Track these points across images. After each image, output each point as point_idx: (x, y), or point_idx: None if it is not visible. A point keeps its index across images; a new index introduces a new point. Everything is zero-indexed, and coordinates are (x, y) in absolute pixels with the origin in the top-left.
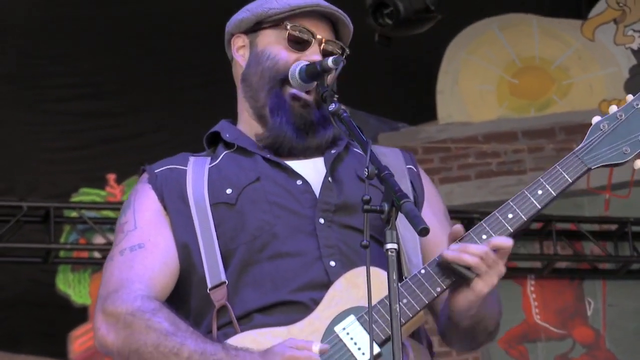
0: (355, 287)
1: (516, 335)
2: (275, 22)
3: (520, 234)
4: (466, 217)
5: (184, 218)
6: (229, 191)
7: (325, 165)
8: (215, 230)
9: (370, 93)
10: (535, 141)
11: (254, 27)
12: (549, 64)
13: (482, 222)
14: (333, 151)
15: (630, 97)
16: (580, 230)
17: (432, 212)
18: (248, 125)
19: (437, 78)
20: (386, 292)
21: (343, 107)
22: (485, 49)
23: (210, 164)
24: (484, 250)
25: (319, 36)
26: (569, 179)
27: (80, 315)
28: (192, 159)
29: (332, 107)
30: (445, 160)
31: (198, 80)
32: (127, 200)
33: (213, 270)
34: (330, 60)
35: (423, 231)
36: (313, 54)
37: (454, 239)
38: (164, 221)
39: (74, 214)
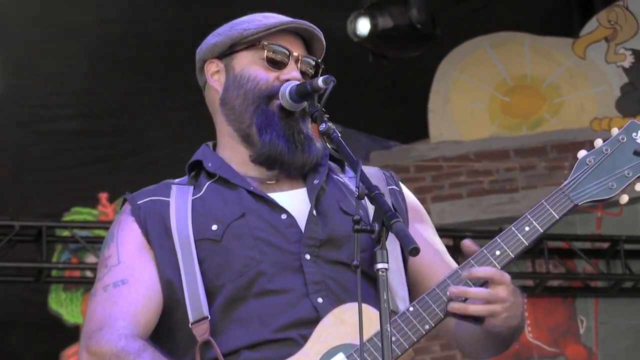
0: (343, 323)
1: (509, 354)
2: (250, 42)
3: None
4: (458, 236)
5: (168, 253)
6: (214, 227)
7: (309, 197)
8: (200, 266)
9: (362, 112)
10: (527, 159)
11: (228, 51)
12: (540, 83)
13: (470, 258)
14: (316, 181)
15: (615, 131)
16: (572, 248)
17: (417, 230)
18: (230, 150)
19: (428, 97)
20: (375, 329)
21: (333, 126)
22: (476, 68)
23: (193, 195)
24: (484, 294)
25: (295, 53)
26: (556, 216)
27: (72, 334)
28: (174, 189)
29: (322, 126)
30: (437, 178)
31: (189, 100)
32: (109, 232)
33: (195, 305)
34: (320, 80)
35: (413, 251)
36: (291, 72)
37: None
38: (148, 255)
39: (66, 233)
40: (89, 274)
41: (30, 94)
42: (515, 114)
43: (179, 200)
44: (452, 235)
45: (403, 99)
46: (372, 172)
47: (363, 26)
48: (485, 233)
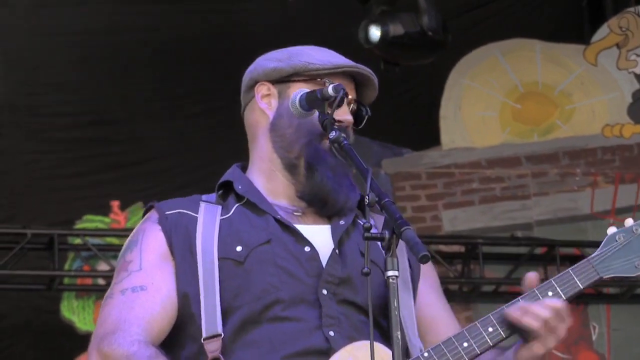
0: (355, 359)
1: None
2: (311, 76)
3: (525, 259)
4: (470, 242)
5: (189, 267)
6: (239, 249)
7: (333, 236)
8: (220, 285)
9: (374, 119)
10: (539, 166)
11: (286, 78)
12: (551, 89)
13: (490, 315)
14: (342, 222)
15: None
16: (584, 255)
17: (429, 285)
18: (267, 175)
19: (440, 104)
20: None
21: (343, 134)
22: (487, 75)
23: (221, 215)
24: (546, 315)
25: (350, 96)
26: (580, 285)
27: (84, 342)
28: (203, 206)
29: (332, 134)
30: (449, 185)
31: (201, 107)
32: (133, 237)
33: (210, 321)
34: (330, 88)
35: (424, 258)
36: (345, 113)
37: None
38: (169, 266)
39: (78, 240)
40: (101, 281)
41: (41, 102)
42: (526, 121)
43: (207, 218)
44: (463, 242)
45: (414, 106)
46: None
47: (374, 33)
48: (496, 240)
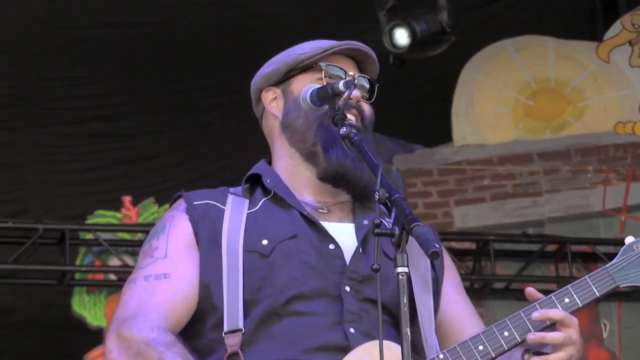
0: (371, 357)
1: None
2: (307, 65)
3: (536, 256)
4: (481, 239)
5: (213, 259)
6: (264, 242)
7: (357, 234)
8: (243, 277)
9: (386, 115)
10: (551, 163)
11: (285, 77)
12: (564, 86)
13: (506, 319)
14: (365, 222)
15: None
16: (596, 252)
17: (452, 286)
18: (290, 172)
19: (452, 100)
20: None
21: (354, 130)
22: (500, 71)
23: (248, 209)
24: (562, 338)
25: (351, 73)
26: (597, 293)
27: (95, 337)
28: (230, 198)
29: (343, 130)
30: (461, 182)
31: (213, 101)
32: (160, 223)
33: (232, 315)
34: (341, 84)
35: (433, 254)
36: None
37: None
38: (194, 256)
39: (89, 236)
40: (112, 277)
41: (54, 96)
42: (539, 118)
43: (234, 210)
44: (475, 239)
45: (426, 103)
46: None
47: (401, 37)
48: (508, 237)
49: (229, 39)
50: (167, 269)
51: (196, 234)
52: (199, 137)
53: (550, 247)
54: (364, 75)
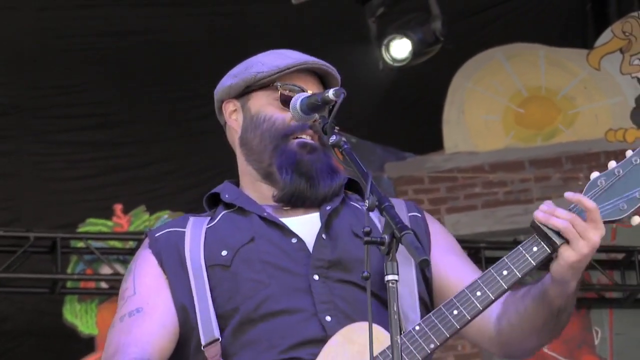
0: (351, 342)
1: None
2: (264, 84)
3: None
4: (473, 247)
5: (182, 281)
6: (224, 253)
7: (321, 221)
8: (212, 292)
9: (377, 123)
10: (542, 170)
11: (244, 91)
12: (555, 94)
13: (489, 268)
14: (328, 207)
15: (629, 153)
16: None
17: (442, 250)
18: (252, 187)
19: (443, 108)
20: (380, 349)
21: (344, 138)
22: (491, 79)
23: (208, 224)
24: (571, 216)
25: (309, 91)
26: None
27: (87, 345)
28: (191, 220)
29: (332, 138)
30: (452, 189)
31: (204, 110)
32: (129, 267)
33: (207, 327)
34: (331, 92)
35: (423, 262)
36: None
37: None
38: (164, 284)
39: (80, 244)
40: (103, 285)
41: (46, 104)
42: (529, 125)
43: (194, 230)
44: (466, 247)
45: (418, 110)
46: (394, 202)
47: (401, 50)
48: (500, 244)
49: (221, 47)
50: (138, 303)
51: (161, 263)
52: (191, 145)
53: None
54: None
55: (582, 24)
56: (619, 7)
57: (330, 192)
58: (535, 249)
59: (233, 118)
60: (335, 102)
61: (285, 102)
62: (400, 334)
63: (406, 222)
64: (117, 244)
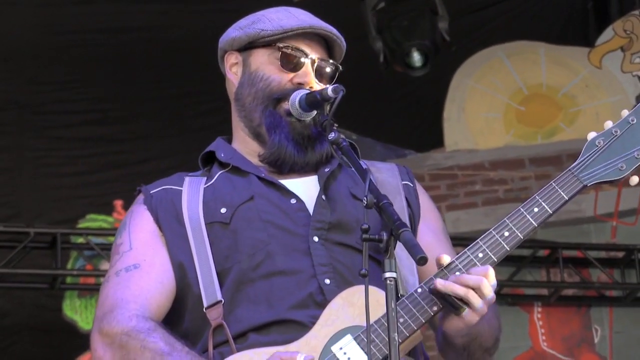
0: (351, 305)
1: None
2: (267, 42)
3: (528, 261)
4: None
5: (179, 238)
6: (223, 210)
7: (319, 183)
8: (211, 249)
9: (377, 120)
10: (542, 168)
11: (247, 46)
12: (555, 92)
13: (478, 240)
14: (327, 169)
15: (625, 113)
16: (587, 257)
17: (428, 227)
18: (243, 143)
19: (443, 105)
20: (383, 311)
21: (342, 135)
22: (492, 77)
23: (205, 184)
24: (476, 281)
25: (311, 56)
26: (565, 196)
27: (87, 341)
28: (187, 179)
29: (331, 135)
30: (452, 187)
31: (205, 106)
32: (122, 222)
33: (209, 289)
34: (330, 90)
35: (421, 260)
36: (305, 74)
37: (439, 266)
38: (160, 241)
39: (80, 240)
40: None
41: (46, 100)
42: (530, 123)
43: (191, 188)
44: (466, 245)
45: (418, 108)
46: (387, 167)
47: (416, 59)
48: None
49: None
50: (135, 259)
51: (157, 219)
52: (192, 141)
53: (542, 252)
54: (326, 60)
55: (584, 22)
56: (620, 6)
57: (320, 157)
58: (536, 210)
59: (233, 71)
60: (335, 99)
61: (286, 63)
62: (400, 295)
63: (399, 189)
64: None
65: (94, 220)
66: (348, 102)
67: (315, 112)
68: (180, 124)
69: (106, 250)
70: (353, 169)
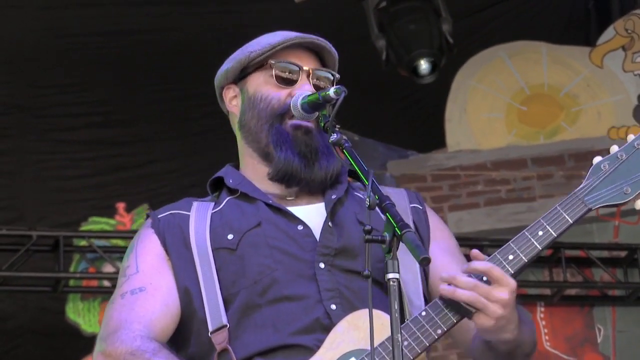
0: (357, 329)
1: None
2: (259, 63)
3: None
4: (475, 245)
5: (186, 263)
6: (230, 236)
7: (326, 210)
8: (217, 275)
9: (379, 121)
10: (545, 168)
11: (240, 75)
12: (557, 91)
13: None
14: (333, 196)
15: (631, 137)
16: (589, 257)
17: (440, 247)
18: (252, 169)
19: (445, 106)
20: (387, 334)
21: (345, 137)
22: (493, 77)
23: (213, 209)
24: (473, 283)
25: (305, 67)
26: (570, 220)
27: (90, 344)
28: (195, 204)
29: (333, 137)
30: (454, 187)
31: (208, 109)
32: (130, 245)
33: (214, 313)
34: (331, 91)
35: (424, 261)
36: (303, 86)
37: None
38: (166, 265)
39: (83, 242)
40: (106, 283)
41: (48, 103)
42: (532, 123)
43: (199, 214)
44: (469, 245)
45: (420, 108)
46: (396, 191)
47: (424, 68)
48: (502, 242)
49: (223, 46)
50: (141, 282)
51: (164, 243)
52: (194, 144)
53: (544, 252)
54: (322, 70)
55: (585, 22)
56: (622, 5)
57: (326, 175)
58: (540, 233)
59: (233, 104)
60: (337, 100)
61: (281, 79)
62: (405, 319)
63: (407, 213)
64: (119, 243)
65: (96, 223)
66: (350, 103)
67: (316, 113)
68: (182, 127)
69: (109, 253)
70: (355, 169)
